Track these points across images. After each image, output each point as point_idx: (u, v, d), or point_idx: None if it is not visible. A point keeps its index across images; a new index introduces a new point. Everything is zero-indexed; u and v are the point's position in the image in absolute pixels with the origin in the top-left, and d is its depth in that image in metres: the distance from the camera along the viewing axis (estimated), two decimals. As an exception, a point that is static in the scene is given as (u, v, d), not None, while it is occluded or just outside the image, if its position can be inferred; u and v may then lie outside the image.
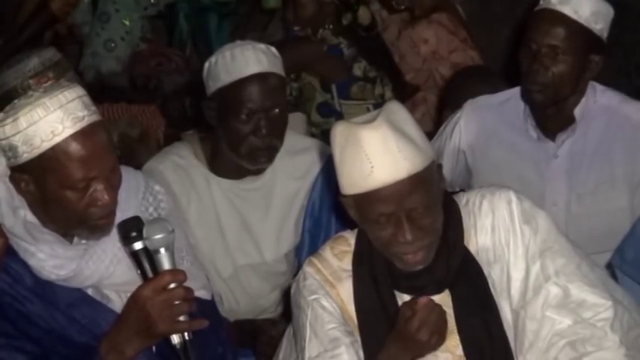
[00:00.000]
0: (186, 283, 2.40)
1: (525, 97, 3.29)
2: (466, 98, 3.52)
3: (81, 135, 2.33)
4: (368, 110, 4.52)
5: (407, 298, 2.50)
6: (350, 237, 2.58)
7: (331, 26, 4.68)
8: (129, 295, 2.43)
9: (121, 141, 4.10)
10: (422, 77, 4.95)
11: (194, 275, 2.59)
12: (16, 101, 2.37)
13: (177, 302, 2.38)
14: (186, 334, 2.40)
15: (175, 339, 2.40)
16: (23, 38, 4.42)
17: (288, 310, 2.76)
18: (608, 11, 3.19)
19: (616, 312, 2.43)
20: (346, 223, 2.59)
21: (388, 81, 4.72)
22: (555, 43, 3.13)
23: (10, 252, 2.42)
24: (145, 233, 2.39)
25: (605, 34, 3.19)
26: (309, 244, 3.28)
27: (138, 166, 3.03)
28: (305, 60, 4.66)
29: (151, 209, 2.61)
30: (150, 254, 2.40)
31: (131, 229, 2.41)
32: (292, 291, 2.61)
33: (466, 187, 3.41)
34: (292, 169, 3.31)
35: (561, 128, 3.27)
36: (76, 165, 2.33)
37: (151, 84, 4.98)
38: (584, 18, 3.13)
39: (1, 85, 2.98)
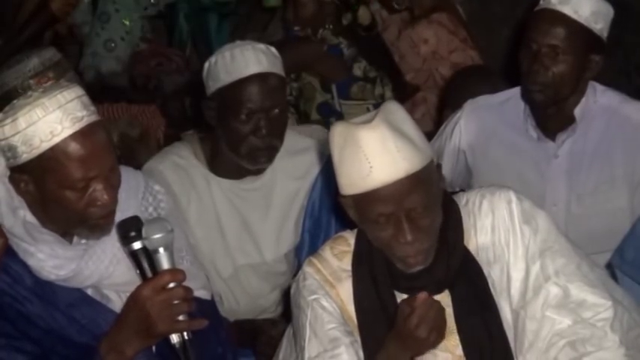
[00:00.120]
0: (186, 283, 2.40)
1: (525, 97, 3.29)
2: (466, 98, 3.52)
3: (80, 135, 2.33)
4: (368, 110, 4.51)
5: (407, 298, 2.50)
6: (350, 237, 2.58)
7: (331, 26, 4.68)
8: (129, 295, 2.43)
9: (121, 141, 4.10)
10: (422, 77, 4.95)
11: (194, 275, 2.59)
12: (15, 102, 2.37)
13: (176, 302, 2.37)
14: (185, 333, 2.40)
15: (175, 338, 2.40)
16: (23, 38, 4.42)
17: (288, 310, 2.76)
18: (608, 11, 3.19)
19: (616, 312, 2.43)
20: (346, 223, 2.59)
21: (388, 81, 4.72)
22: (555, 43, 3.13)
23: (10, 252, 2.42)
24: (144, 233, 2.39)
25: (605, 34, 3.19)
26: (309, 244, 3.28)
27: (138, 166, 3.03)
28: (305, 60, 4.66)
29: (150, 209, 2.61)
30: (149, 254, 2.40)
31: (130, 228, 2.41)
32: (292, 291, 2.61)
33: (466, 187, 3.41)
34: (292, 169, 3.31)
35: (561, 128, 3.27)
36: (76, 165, 2.33)
37: (151, 84, 4.98)
38: (584, 18, 3.13)
39: (1, 85, 2.98)
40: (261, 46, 3.19)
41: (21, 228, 2.41)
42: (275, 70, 3.16)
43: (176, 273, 2.40)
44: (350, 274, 2.53)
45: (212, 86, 3.17)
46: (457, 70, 4.53)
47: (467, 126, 3.43)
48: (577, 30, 3.13)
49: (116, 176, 2.43)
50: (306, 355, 2.51)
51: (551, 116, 3.26)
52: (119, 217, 2.46)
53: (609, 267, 3.00)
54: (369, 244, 2.48)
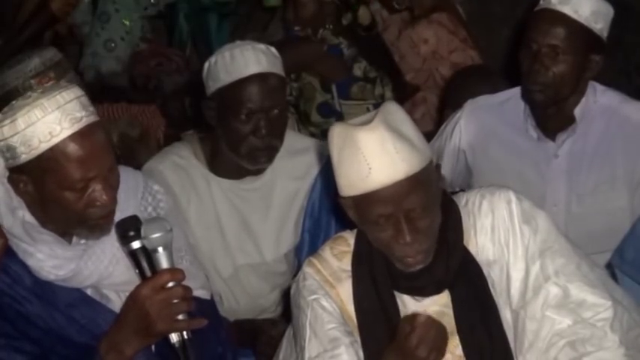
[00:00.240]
0: (185, 283, 2.40)
1: (526, 97, 3.29)
2: (467, 98, 3.52)
3: (79, 136, 2.33)
4: (368, 110, 4.51)
5: (406, 298, 2.50)
6: (349, 237, 2.57)
7: (331, 26, 4.68)
8: (128, 294, 2.43)
9: (121, 141, 4.10)
10: (422, 77, 4.95)
11: (193, 275, 2.59)
12: (14, 102, 2.37)
13: (175, 301, 2.37)
14: (185, 333, 2.40)
15: (174, 338, 2.40)
16: (23, 38, 4.43)
17: (288, 310, 2.75)
18: (608, 11, 3.19)
19: (616, 312, 2.43)
20: (346, 224, 2.59)
21: (388, 81, 4.72)
22: (556, 43, 3.13)
23: (9, 252, 2.42)
24: (142, 232, 2.39)
25: (605, 34, 3.19)
26: (308, 244, 3.28)
27: (138, 166, 3.03)
28: (305, 60, 4.66)
29: (150, 209, 2.61)
30: (148, 253, 2.40)
31: (129, 228, 2.41)
32: (292, 291, 2.60)
33: (466, 187, 3.40)
34: (292, 169, 3.31)
35: (561, 128, 3.27)
36: (75, 165, 2.33)
37: (151, 84, 4.98)
38: (585, 18, 3.13)
39: (2, 85, 2.99)
40: (261, 46, 3.19)
41: (20, 228, 2.41)
42: (275, 70, 3.16)
43: (175, 272, 2.40)
44: (350, 274, 2.52)
45: (212, 86, 3.17)
46: (458, 70, 4.53)
47: (467, 126, 3.43)
48: (577, 30, 3.13)
49: (115, 176, 2.43)
50: (307, 355, 2.50)
51: (551, 116, 3.26)
52: (118, 217, 2.46)
53: (609, 267, 3.00)
54: (368, 244, 2.48)
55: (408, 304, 2.49)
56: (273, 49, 3.20)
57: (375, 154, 2.30)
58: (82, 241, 2.48)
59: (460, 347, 2.46)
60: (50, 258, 2.42)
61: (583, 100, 3.24)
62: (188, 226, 3.18)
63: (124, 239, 2.41)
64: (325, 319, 2.50)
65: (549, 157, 3.29)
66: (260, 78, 3.12)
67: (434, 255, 2.43)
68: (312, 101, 4.72)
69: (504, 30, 5.42)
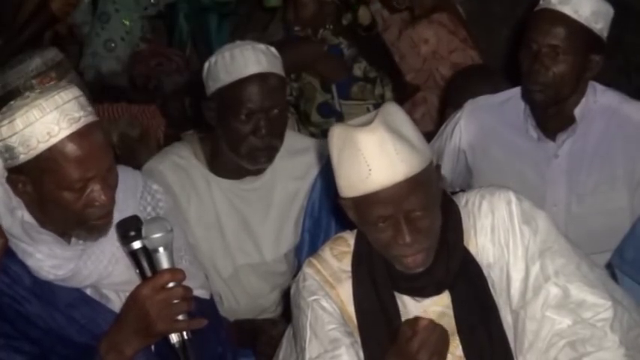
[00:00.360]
0: (185, 283, 2.40)
1: (526, 97, 3.29)
2: (468, 97, 3.52)
3: (77, 136, 2.33)
4: (368, 110, 4.52)
5: (406, 299, 2.49)
6: (349, 238, 2.57)
7: (331, 26, 4.68)
8: (128, 294, 2.43)
9: (121, 141, 4.11)
10: (422, 77, 4.95)
11: (193, 274, 2.59)
12: (12, 102, 2.37)
13: (175, 301, 2.37)
14: (185, 333, 2.40)
15: (174, 338, 2.40)
16: (23, 38, 4.43)
17: (288, 310, 2.75)
18: (608, 11, 3.19)
19: (616, 312, 2.43)
20: (346, 224, 2.59)
21: (388, 81, 4.72)
22: (556, 43, 3.13)
23: (9, 253, 2.42)
24: (143, 232, 2.39)
25: (605, 34, 3.19)
26: (308, 244, 3.27)
27: (138, 166, 3.03)
28: (305, 60, 4.66)
29: (149, 209, 2.61)
30: (148, 253, 2.40)
31: (130, 228, 2.41)
32: (292, 292, 2.60)
33: (466, 187, 3.40)
34: (292, 169, 3.31)
35: (561, 128, 3.27)
36: (73, 166, 2.33)
37: (151, 84, 4.98)
38: (585, 17, 3.12)
39: (3, 85, 2.98)
40: (261, 46, 3.19)
41: (19, 228, 2.41)
42: (275, 70, 3.16)
43: (175, 272, 2.40)
44: (350, 274, 2.52)
45: (212, 86, 3.17)
46: (459, 70, 4.52)
47: (467, 126, 3.43)
48: (577, 30, 3.13)
49: (114, 176, 2.43)
50: (307, 356, 2.50)
51: (552, 116, 3.26)
52: (118, 217, 2.46)
53: (609, 267, 3.00)
54: (368, 245, 2.48)
55: (408, 305, 2.49)
56: (273, 49, 3.20)
57: (375, 156, 2.30)
58: (81, 241, 2.48)
59: (460, 348, 2.46)
60: (49, 258, 2.42)
61: (583, 100, 3.24)
62: (188, 226, 3.18)
63: (125, 239, 2.41)
64: (325, 319, 2.50)
65: (549, 158, 3.29)
66: (260, 78, 3.12)
67: (434, 256, 2.43)
68: (312, 101, 4.72)
69: (504, 30, 5.42)
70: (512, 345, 2.47)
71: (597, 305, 2.43)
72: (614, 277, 2.89)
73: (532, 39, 3.16)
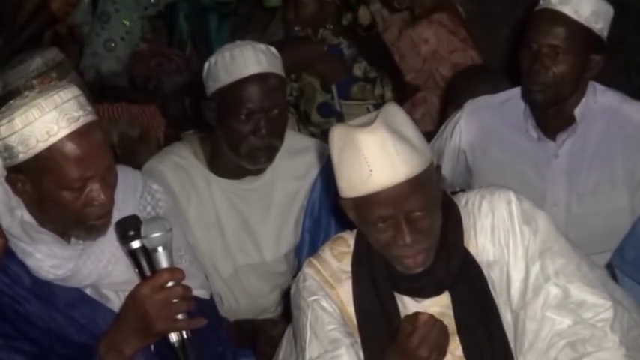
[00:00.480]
0: (185, 282, 2.40)
1: (526, 97, 3.29)
2: (469, 97, 3.52)
3: (76, 135, 2.33)
4: (368, 110, 4.52)
5: (406, 299, 2.49)
6: (349, 238, 2.57)
7: (332, 26, 4.68)
8: (127, 294, 2.43)
9: (121, 141, 4.11)
10: (422, 77, 4.95)
11: (193, 274, 2.58)
12: (11, 102, 2.37)
13: (175, 300, 2.37)
14: (184, 332, 2.40)
15: (174, 337, 2.40)
16: (23, 38, 4.43)
17: (288, 310, 2.75)
18: (608, 11, 3.19)
19: (616, 312, 2.43)
20: (346, 224, 2.59)
21: (388, 81, 4.72)
22: (556, 43, 3.13)
23: (8, 252, 2.41)
24: (142, 232, 2.39)
25: (605, 34, 3.19)
26: (308, 244, 3.27)
27: (138, 166, 3.02)
28: (305, 60, 4.66)
29: (149, 208, 2.61)
30: (148, 253, 2.40)
31: (129, 227, 2.41)
32: (292, 292, 2.60)
33: (466, 187, 3.40)
34: (292, 169, 3.31)
35: (561, 128, 3.27)
36: (72, 165, 2.33)
37: (151, 84, 4.98)
38: (585, 18, 3.12)
39: (4, 85, 2.99)
40: (261, 46, 3.18)
41: (19, 228, 2.41)
42: (275, 70, 3.16)
43: (175, 272, 2.40)
44: (350, 275, 2.52)
45: (212, 86, 3.17)
46: (460, 70, 4.52)
47: (467, 126, 3.43)
48: (577, 30, 3.13)
49: (113, 176, 2.43)
50: (307, 356, 2.50)
51: (552, 116, 3.26)
52: (117, 216, 2.45)
53: (609, 267, 3.00)
54: (368, 245, 2.48)
55: (408, 305, 2.49)
56: (273, 49, 3.20)
57: (376, 156, 2.29)
58: (81, 241, 2.48)
59: (460, 348, 2.46)
60: (49, 257, 2.42)
61: (583, 100, 3.24)
62: (188, 225, 3.18)
63: (124, 238, 2.41)
64: (325, 319, 2.50)
65: (549, 158, 3.29)
66: (260, 78, 3.12)
67: (434, 256, 2.43)
68: (313, 101, 4.72)
69: (504, 30, 5.42)
70: (512, 345, 2.47)
71: (597, 305, 2.43)
72: (614, 277, 2.89)
73: (532, 39, 3.16)
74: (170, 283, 2.38)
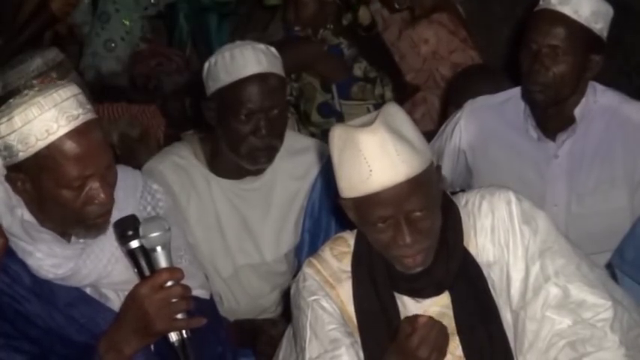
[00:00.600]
0: (184, 282, 2.40)
1: (526, 97, 3.29)
2: (470, 97, 3.52)
3: (76, 133, 2.33)
4: (368, 110, 4.52)
5: (406, 299, 2.49)
6: (349, 238, 2.57)
7: (332, 26, 4.68)
8: (127, 293, 2.43)
9: (121, 141, 4.11)
10: (422, 77, 4.94)
11: (192, 274, 2.59)
12: (11, 100, 2.37)
13: (174, 300, 2.37)
14: (184, 332, 2.40)
15: (173, 337, 2.40)
16: (23, 38, 4.43)
17: (288, 310, 2.75)
18: (608, 11, 3.19)
19: (616, 312, 2.43)
20: (345, 224, 2.59)
21: (388, 81, 4.72)
22: (556, 43, 3.13)
23: (9, 252, 2.41)
24: (141, 232, 2.39)
25: (605, 34, 3.19)
26: (308, 244, 3.27)
27: (138, 166, 3.02)
28: (305, 60, 4.66)
29: (149, 208, 2.61)
30: (146, 252, 2.40)
31: (127, 227, 2.41)
32: (292, 292, 2.60)
33: (466, 187, 3.40)
34: (292, 169, 3.31)
35: (561, 128, 3.27)
36: (72, 163, 2.33)
37: (151, 84, 4.98)
38: (584, 18, 3.13)
39: (4, 85, 2.99)
40: (261, 46, 3.18)
41: (19, 227, 2.41)
42: (275, 70, 3.16)
43: (174, 271, 2.40)
44: (350, 275, 2.52)
45: (212, 86, 3.17)
46: (461, 69, 4.52)
47: (467, 126, 3.43)
48: (577, 30, 3.13)
49: (112, 174, 2.43)
50: (307, 356, 2.50)
51: (552, 116, 3.26)
52: (117, 216, 2.45)
53: (609, 267, 3.00)
54: (368, 245, 2.48)
55: (408, 305, 2.49)
56: (273, 49, 3.20)
57: (376, 156, 2.29)
58: (81, 240, 2.48)
59: (460, 348, 2.46)
60: (49, 257, 2.42)
61: (583, 100, 3.24)
62: (188, 226, 3.18)
63: (123, 238, 2.41)
64: (325, 319, 2.50)
65: (549, 158, 3.29)
66: (260, 78, 3.12)
67: (434, 256, 2.43)
68: (313, 101, 4.71)
69: (504, 30, 5.41)
70: (512, 345, 2.47)
71: (597, 305, 2.43)
72: (614, 277, 2.89)
73: (532, 39, 3.16)
74: (169, 283, 2.38)
